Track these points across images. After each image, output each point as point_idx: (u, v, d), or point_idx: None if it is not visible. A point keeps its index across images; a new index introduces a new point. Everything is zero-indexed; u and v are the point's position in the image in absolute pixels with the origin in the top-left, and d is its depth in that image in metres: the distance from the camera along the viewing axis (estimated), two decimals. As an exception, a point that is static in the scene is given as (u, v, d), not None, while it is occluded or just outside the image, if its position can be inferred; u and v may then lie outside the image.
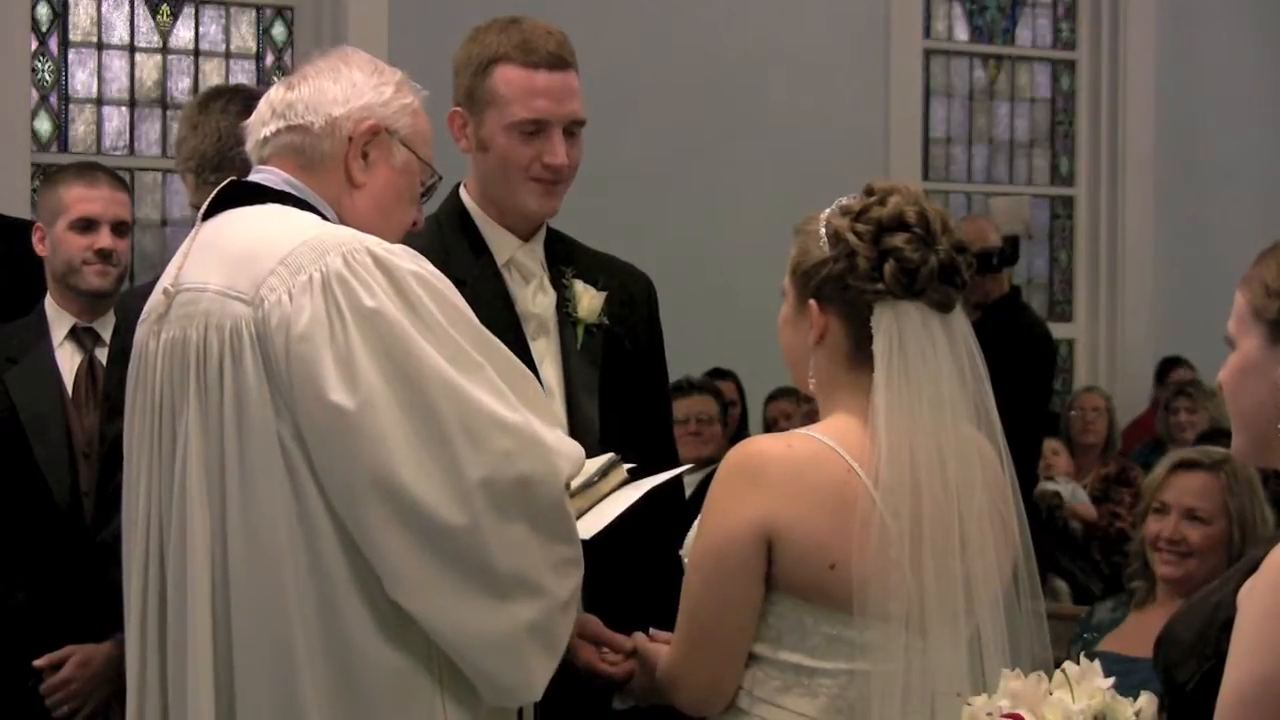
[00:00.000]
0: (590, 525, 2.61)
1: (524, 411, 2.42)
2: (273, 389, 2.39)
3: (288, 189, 2.58)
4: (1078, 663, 2.27)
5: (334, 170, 2.60)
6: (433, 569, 2.37)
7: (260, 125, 2.64)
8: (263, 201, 2.56)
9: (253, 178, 2.62)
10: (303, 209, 2.56)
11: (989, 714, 2.20)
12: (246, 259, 2.46)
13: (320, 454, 2.37)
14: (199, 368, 2.45)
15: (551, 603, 2.44)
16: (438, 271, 2.49)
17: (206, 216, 2.62)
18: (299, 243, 2.43)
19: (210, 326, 2.45)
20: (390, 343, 2.36)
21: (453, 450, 2.35)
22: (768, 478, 2.48)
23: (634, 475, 2.78)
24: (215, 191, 2.64)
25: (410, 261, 2.45)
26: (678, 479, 3.05)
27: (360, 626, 2.39)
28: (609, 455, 2.74)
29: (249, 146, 2.68)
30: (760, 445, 2.57)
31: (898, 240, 2.51)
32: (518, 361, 2.53)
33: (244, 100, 3.31)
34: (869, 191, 2.58)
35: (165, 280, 2.59)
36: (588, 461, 2.63)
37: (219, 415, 2.42)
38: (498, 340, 2.51)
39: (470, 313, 2.48)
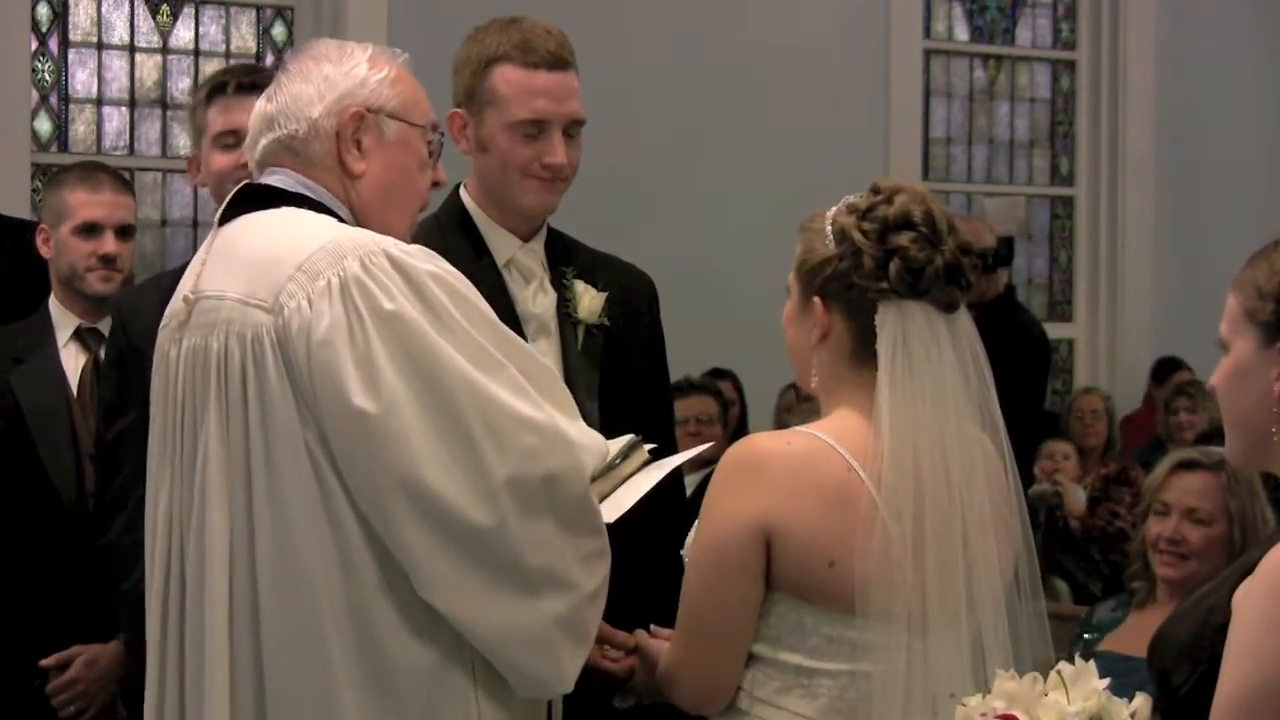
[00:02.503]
0: (615, 507, 2.60)
1: (547, 408, 2.42)
2: (296, 395, 2.39)
3: (302, 190, 2.57)
4: (1086, 662, 2.27)
5: (332, 168, 2.59)
6: (461, 569, 2.37)
7: (252, 145, 2.65)
8: (277, 204, 2.56)
9: (266, 180, 2.61)
10: (318, 210, 2.55)
11: (983, 714, 2.19)
12: (265, 266, 2.46)
13: (345, 458, 2.37)
14: (220, 375, 2.45)
15: (580, 595, 2.45)
16: (455, 270, 2.48)
17: (223, 221, 2.61)
18: (316, 247, 2.43)
19: (231, 335, 2.45)
20: (410, 345, 2.36)
21: (477, 450, 2.36)
22: (766, 475, 2.48)
23: (653, 457, 2.76)
24: (230, 195, 2.63)
25: (427, 262, 2.45)
26: (680, 473, 3.04)
27: (392, 626, 2.40)
28: (630, 436, 2.72)
29: (248, 164, 2.68)
30: (759, 443, 2.56)
31: (903, 239, 2.50)
32: (539, 357, 2.53)
33: None
34: (875, 190, 2.57)
35: (184, 287, 2.58)
36: (609, 443, 2.63)
37: (243, 422, 2.43)
38: (517, 337, 2.51)
39: (490, 311, 2.48)
